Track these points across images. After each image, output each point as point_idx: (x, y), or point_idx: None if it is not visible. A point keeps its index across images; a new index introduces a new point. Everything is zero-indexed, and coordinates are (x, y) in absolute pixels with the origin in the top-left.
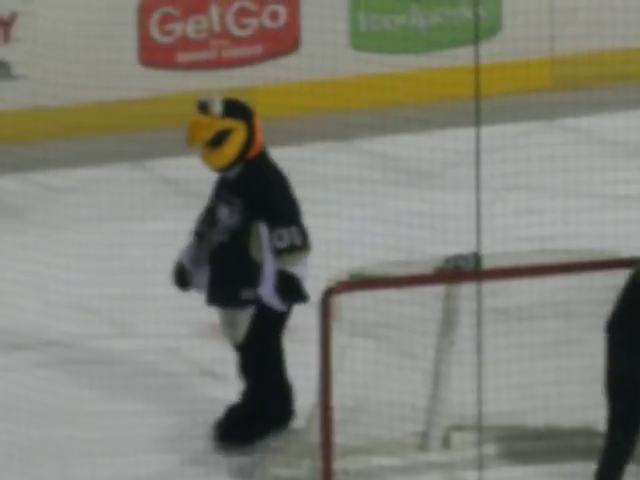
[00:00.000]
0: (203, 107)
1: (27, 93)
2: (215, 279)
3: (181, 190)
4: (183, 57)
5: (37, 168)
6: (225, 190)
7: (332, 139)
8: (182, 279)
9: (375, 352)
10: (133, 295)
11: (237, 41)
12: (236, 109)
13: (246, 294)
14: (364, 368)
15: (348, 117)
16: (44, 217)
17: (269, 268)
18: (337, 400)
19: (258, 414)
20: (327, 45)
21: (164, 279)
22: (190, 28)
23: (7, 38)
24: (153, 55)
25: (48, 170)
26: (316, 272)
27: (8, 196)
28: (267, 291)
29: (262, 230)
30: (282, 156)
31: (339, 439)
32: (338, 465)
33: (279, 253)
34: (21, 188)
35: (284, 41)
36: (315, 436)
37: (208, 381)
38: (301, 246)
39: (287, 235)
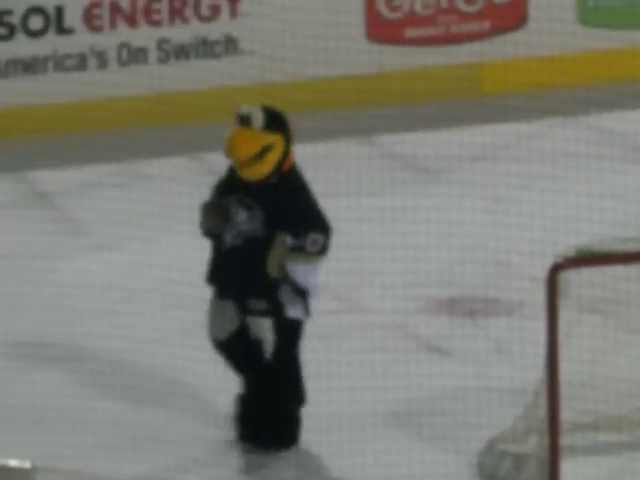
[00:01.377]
0: (245, 120)
1: (254, 68)
2: (228, 278)
3: (408, 165)
4: (410, 33)
5: None
6: (246, 195)
7: (560, 115)
8: (219, 215)
9: (602, 328)
10: (360, 270)
11: (465, 17)
12: (277, 121)
13: (253, 304)
14: (591, 344)
15: (576, 93)
16: None
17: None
18: (564, 376)
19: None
20: (554, 21)
21: (391, 255)
22: (418, 4)
23: (234, 13)
24: (380, 31)
25: None
26: (543, 248)
27: None
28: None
29: (287, 240)
30: (509, 131)
31: (566, 415)
32: (565, 441)
33: (290, 251)
34: None
35: (512, 17)
36: (542, 412)
37: (435, 357)
38: (311, 250)
39: (304, 238)
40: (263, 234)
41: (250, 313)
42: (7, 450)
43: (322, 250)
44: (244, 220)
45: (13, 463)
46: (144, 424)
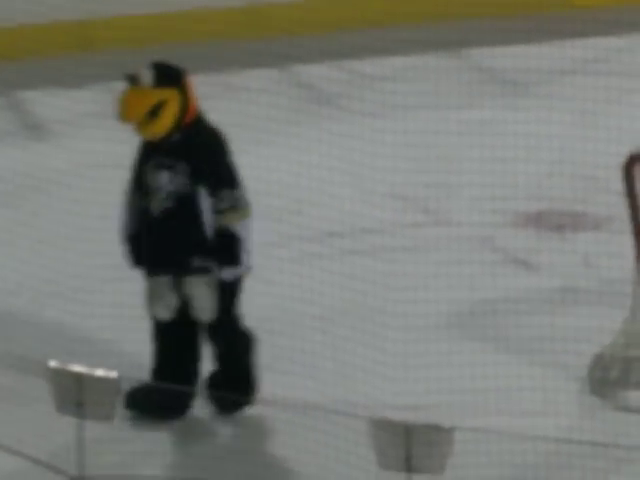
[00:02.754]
0: (134, 79)
1: None
2: (161, 246)
3: (497, 78)
4: None
5: (353, 56)
6: (163, 155)
7: None
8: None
9: None
10: (447, 183)
11: None
12: (167, 76)
13: (197, 261)
14: None
15: None
16: (360, 105)
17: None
18: None
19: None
20: None
21: (478, 168)
22: None
23: None
24: None
25: (364, 58)
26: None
27: (325, 83)
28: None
29: (203, 196)
30: (599, 46)
31: None
32: None
33: (220, 213)
34: (337, 75)
35: None
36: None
37: (522, 270)
38: (243, 206)
39: (230, 196)
40: (190, 188)
41: (192, 273)
42: None
43: (244, 205)
44: (167, 181)
45: (100, 372)
46: None
